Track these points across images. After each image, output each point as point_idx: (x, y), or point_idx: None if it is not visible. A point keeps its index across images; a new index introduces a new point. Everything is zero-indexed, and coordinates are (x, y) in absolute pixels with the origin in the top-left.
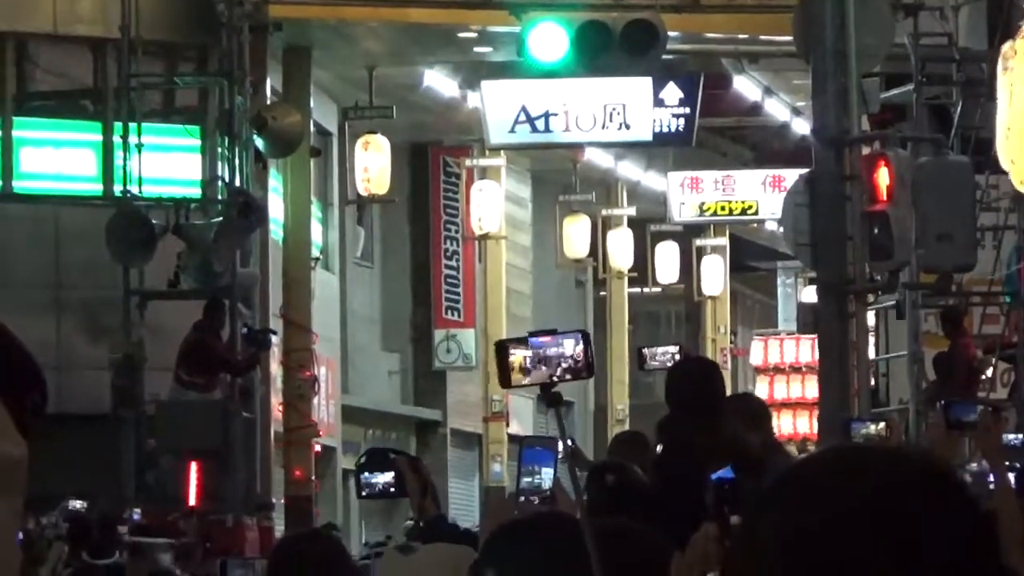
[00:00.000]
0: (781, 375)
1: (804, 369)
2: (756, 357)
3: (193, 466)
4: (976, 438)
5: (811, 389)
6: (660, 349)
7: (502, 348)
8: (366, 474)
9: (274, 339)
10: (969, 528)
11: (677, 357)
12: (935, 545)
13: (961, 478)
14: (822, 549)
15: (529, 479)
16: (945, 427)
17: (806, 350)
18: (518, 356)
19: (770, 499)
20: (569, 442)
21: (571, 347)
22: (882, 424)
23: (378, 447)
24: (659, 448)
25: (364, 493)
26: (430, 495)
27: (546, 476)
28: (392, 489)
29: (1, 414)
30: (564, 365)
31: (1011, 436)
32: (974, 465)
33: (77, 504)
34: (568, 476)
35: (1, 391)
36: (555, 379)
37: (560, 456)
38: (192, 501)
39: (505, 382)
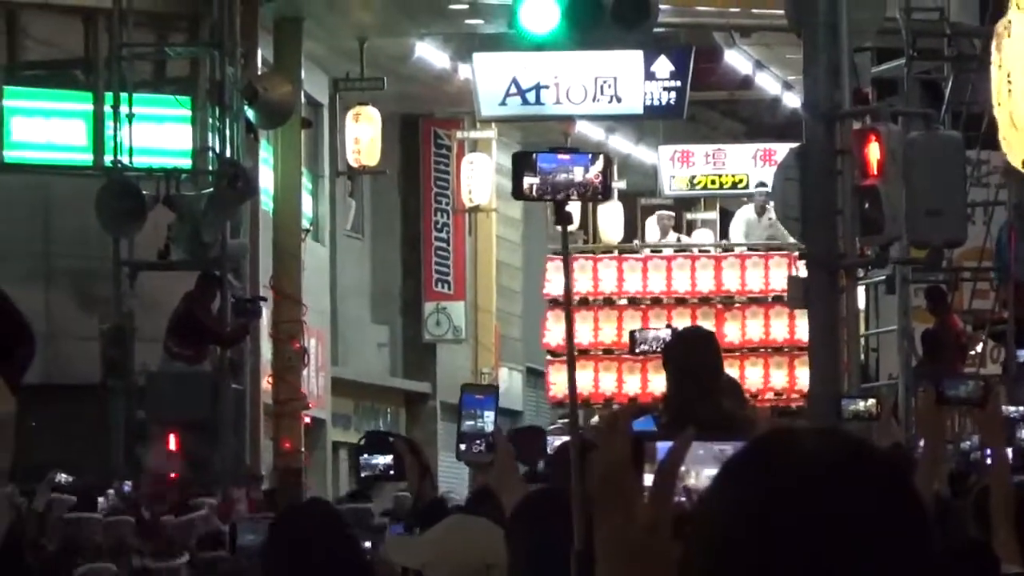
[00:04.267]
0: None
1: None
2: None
3: (172, 437)
4: (978, 417)
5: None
6: (651, 333)
7: (520, 159)
8: (365, 456)
9: (264, 311)
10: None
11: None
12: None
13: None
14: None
15: (471, 423)
16: (934, 402)
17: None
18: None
19: (722, 474)
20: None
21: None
22: (872, 400)
23: (377, 430)
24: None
25: (363, 475)
26: (428, 478)
27: (487, 419)
28: (391, 472)
29: None
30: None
31: (1011, 409)
32: (967, 442)
33: (63, 476)
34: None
35: None
36: (568, 197)
37: None
38: (172, 473)
39: (518, 194)
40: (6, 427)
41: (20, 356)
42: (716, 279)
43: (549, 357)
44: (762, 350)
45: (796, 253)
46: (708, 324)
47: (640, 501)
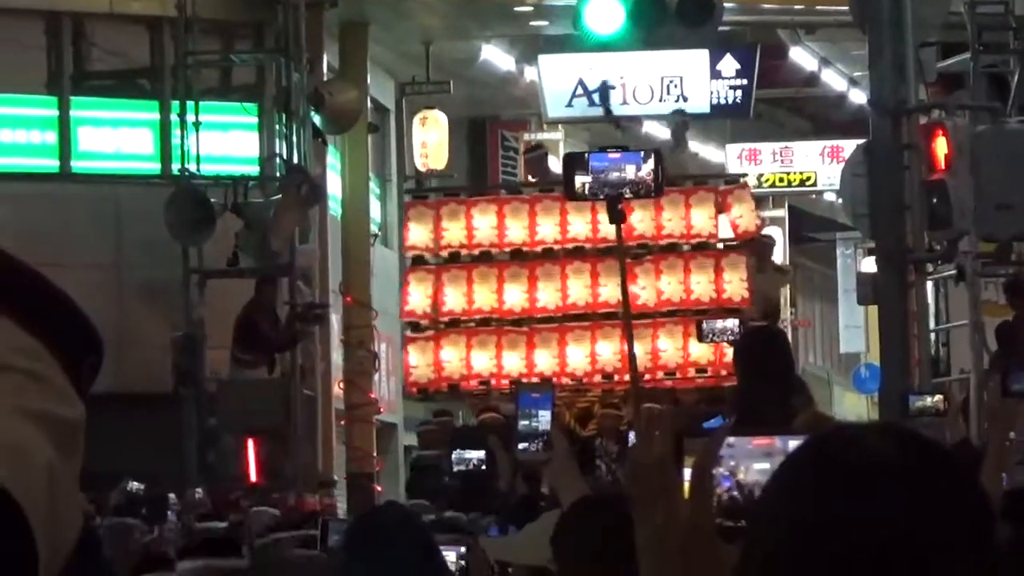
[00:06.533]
0: None
1: None
2: None
3: (250, 443)
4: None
5: None
6: (719, 323)
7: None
8: (459, 451)
9: (334, 316)
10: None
11: (735, 330)
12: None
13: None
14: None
15: (527, 422)
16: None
17: None
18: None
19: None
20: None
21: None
22: (939, 397)
23: (468, 425)
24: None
25: (456, 469)
26: (519, 475)
27: (543, 418)
28: (483, 467)
29: (59, 377)
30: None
31: None
32: None
33: (135, 484)
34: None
35: (58, 353)
36: (623, 195)
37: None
38: (252, 478)
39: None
40: (76, 433)
41: (89, 363)
42: (592, 223)
43: (409, 333)
44: (680, 313)
45: (723, 186)
46: (609, 280)
47: (681, 497)
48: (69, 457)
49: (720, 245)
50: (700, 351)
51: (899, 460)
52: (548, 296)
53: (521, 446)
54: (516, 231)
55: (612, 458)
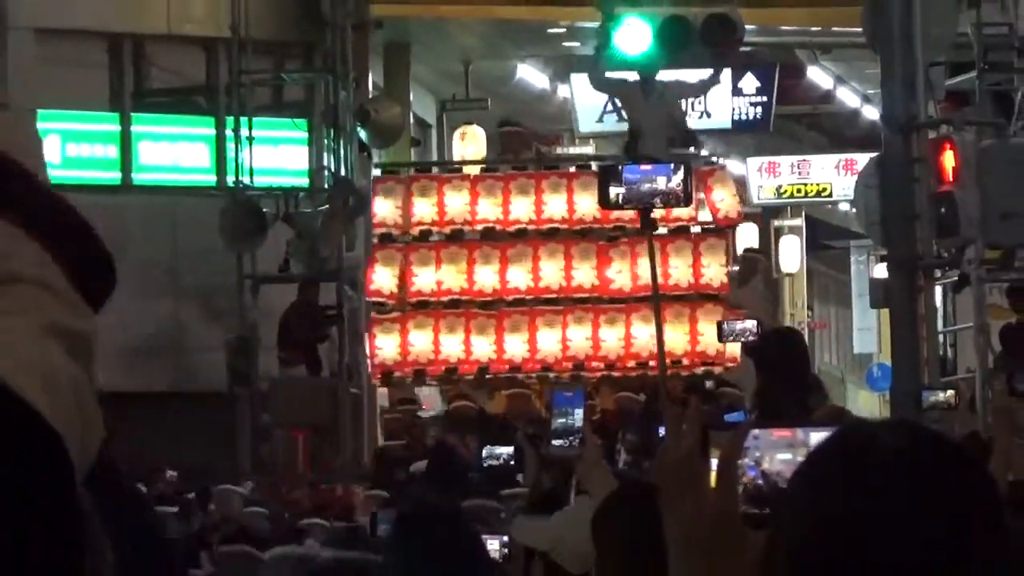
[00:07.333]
0: None
1: None
2: None
3: (300, 439)
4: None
5: None
6: (739, 324)
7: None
8: (488, 447)
9: None
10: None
11: (754, 331)
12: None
13: (955, 443)
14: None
15: (563, 420)
16: (1008, 394)
17: None
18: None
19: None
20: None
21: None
22: (950, 392)
23: (494, 419)
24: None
25: (486, 464)
26: (545, 470)
27: (577, 416)
28: (512, 462)
29: (68, 288)
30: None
31: None
32: None
33: (171, 473)
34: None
35: (63, 264)
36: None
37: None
38: (301, 470)
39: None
40: (92, 344)
41: (97, 289)
42: (568, 203)
43: (375, 313)
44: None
45: (704, 167)
46: (583, 263)
47: (708, 487)
48: (87, 367)
49: (698, 229)
50: (675, 338)
51: (911, 456)
52: (520, 278)
53: (556, 443)
54: (488, 209)
55: (532, 441)
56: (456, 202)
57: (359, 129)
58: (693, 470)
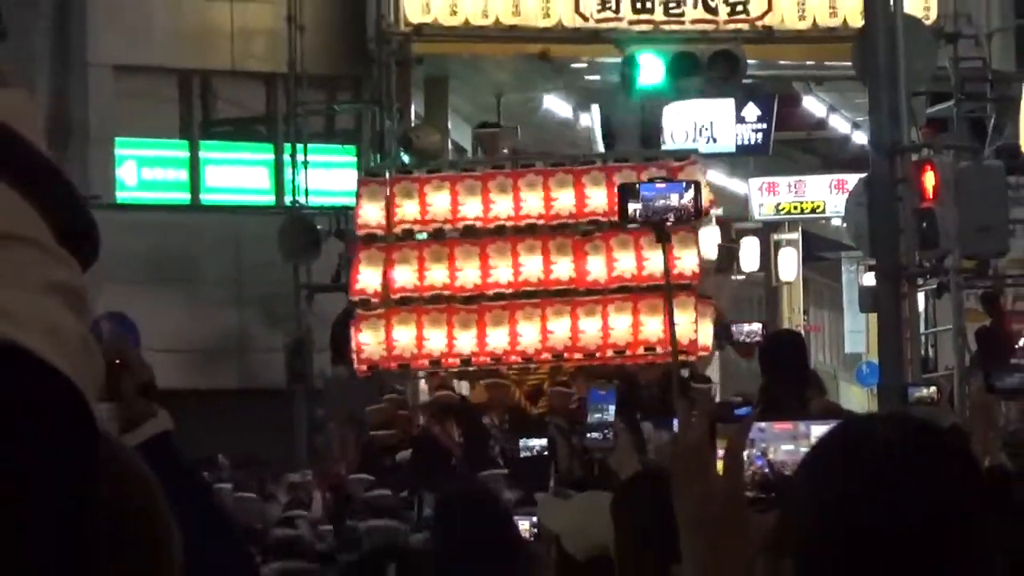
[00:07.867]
0: None
1: None
2: None
3: (349, 433)
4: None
5: None
6: (745, 326)
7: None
8: (523, 439)
9: None
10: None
11: (760, 332)
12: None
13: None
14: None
15: (598, 415)
16: (985, 391)
17: None
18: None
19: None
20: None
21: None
22: (932, 388)
23: (528, 414)
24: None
25: (521, 455)
26: (578, 459)
27: (610, 412)
28: (545, 452)
29: (63, 253)
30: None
31: None
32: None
33: (223, 460)
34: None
35: (49, 221)
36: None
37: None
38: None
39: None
40: (85, 299)
41: (80, 247)
42: (545, 200)
43: (360, 311)
44: (631, 289)
45: (674, 163)
46: (561, 256)
47: (716, 473)
48: (86, 322)
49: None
50: (652, 328)
51: (903, 446)
52: (500, 273)
53: (591, 435)
54: (470, 207)
55: (564, 433)
56: (438, 201)
57: (402, 154)
58: (702, 458)
